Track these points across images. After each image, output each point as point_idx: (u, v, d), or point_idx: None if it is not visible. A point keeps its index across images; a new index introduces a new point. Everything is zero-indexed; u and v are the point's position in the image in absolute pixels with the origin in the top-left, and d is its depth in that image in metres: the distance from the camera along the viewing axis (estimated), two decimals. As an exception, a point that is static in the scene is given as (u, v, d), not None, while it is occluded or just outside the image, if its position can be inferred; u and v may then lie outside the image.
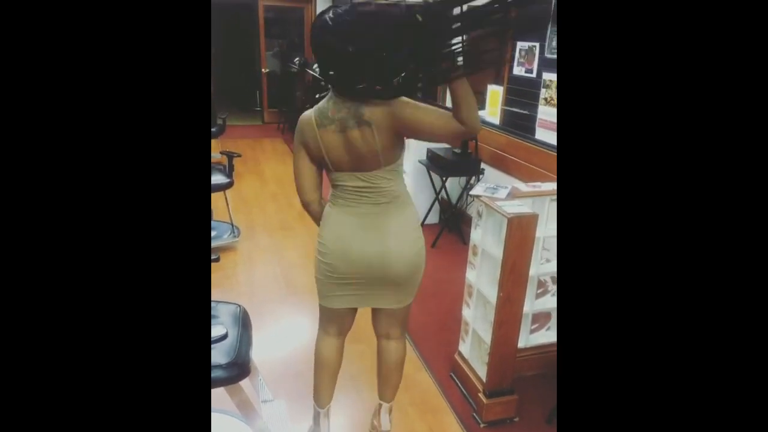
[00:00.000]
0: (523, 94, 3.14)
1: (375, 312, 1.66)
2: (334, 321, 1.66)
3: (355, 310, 1.66)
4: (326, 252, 1.52)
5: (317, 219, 1.58)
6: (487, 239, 1.92)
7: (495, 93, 3.47)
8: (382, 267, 1.48)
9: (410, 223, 1.52)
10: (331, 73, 1.32)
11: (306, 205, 1.58)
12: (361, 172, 1.42)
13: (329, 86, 1.41)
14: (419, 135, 1.36)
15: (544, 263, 2.07)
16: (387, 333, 1.69)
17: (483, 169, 3.52)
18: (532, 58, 3.02)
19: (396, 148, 1.42)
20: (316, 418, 1.77)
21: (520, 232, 1.72)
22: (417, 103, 1.34)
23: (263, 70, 7.39)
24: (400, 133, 1.37)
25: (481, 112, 3.64)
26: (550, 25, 2.85)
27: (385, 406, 1.80)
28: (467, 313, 2.10)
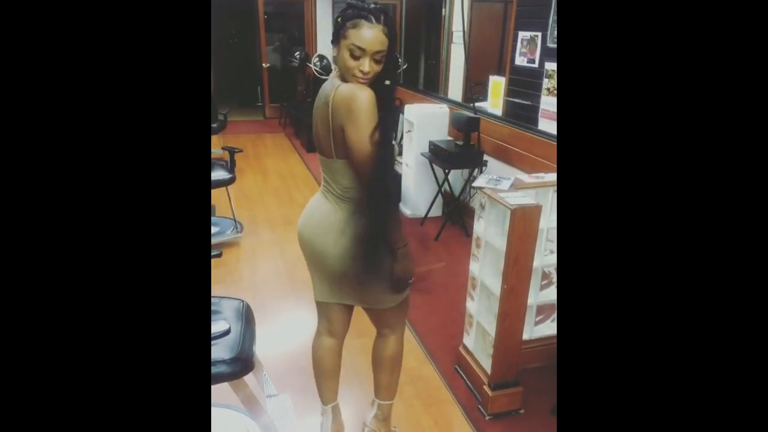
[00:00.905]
0: (525, 84, 3.12)
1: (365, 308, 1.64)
2: (324, 317, 1.65)
3: (346, 309, 1.63)
4: (298, 236, 1.54)
5: None
6: (490, 231, 1.91)
7: (497, 83, 3.45)
8: (325, 264, 1.47)
9: (360, 230, 1.43)
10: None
11: None
12: (324, 157, 1.41)
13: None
14: (344, 138, 1.30)
15: (547, 254, 2.06)
16: (377, 330, 1.68)
17: (486, 161, 3.50)
18: (534, 47, 3.00)
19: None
20: (325, 413, 1.77)
21: (523, 223, 1.71)
22: (367, 120, 1.27)
23: (264, 64, 7.37)
24: (341, 128, 1.31)
25: (483, 104, 3.63)
26: (551, 15, 2.82)
27: (376, 402, 1.76)
28: (471, 305, 2.09)
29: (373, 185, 1.34)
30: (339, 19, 1.29)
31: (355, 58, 1.27)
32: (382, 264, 1.44)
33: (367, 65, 1.27)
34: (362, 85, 1.29)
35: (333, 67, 1.39)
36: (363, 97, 1.26)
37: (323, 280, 1.54)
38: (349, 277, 1.47)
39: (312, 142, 1.38)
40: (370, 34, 1.25)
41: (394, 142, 1.41)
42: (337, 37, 1.30)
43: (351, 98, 1.26)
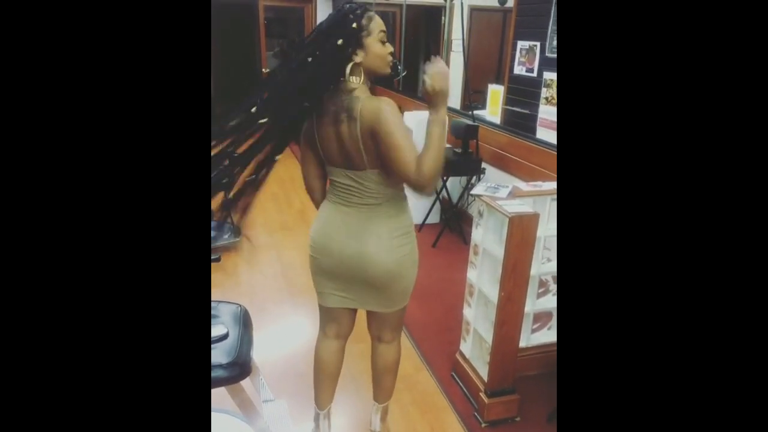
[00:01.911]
0: (524, 93, 3.14)
1: (367, 314, 1.65)
2: (331, 321, 1.66)
3: (352, 312, 1.65)
4: (313, 245, 1.53)
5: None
6: (488, 239, 1.92)
7: (496, 92, 3.47)
8: (359, 268, 1.47)
9: (397, 228, 1.47)
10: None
11: (309, 192, 1.61)
12: (350, 170, 1.41)
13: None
14: (382, 152, 1.31)
15: (545, 263, 2.06)
16: (378, 335, 1.68)
17: (484, 169, 3.51)
18: (532, 57, 3.02)
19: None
20: (317, 419, 1.77)
21: (521, 231, 1.72)
22: (403, 124, 1.30)
23: (264, 69, 7.39)
24: (375, 140, 1.32)
25: (482, 112, 3.64)
26: (550, 24, 2.85)
27: (377, 406, 1.79)
28: (468, 312, 2.10)
29: (422, 181, 1.29)
30: (355, 26, 1.32)
31: (383, 43, 1.36)
32: (411, 260, 1.53)
33: (389, 46, 1.37)
34: (382, 97, 1.34)
35: (352, 79, 1.37)
36: (392, 107, 1.30)
37: (342, 288, 1.54)
38: (386, 276, 1.48)
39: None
40: (379, 19, 1.36)
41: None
42: (360, 41, 1.32)
43: (382, 109, 1.29)
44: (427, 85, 1.30)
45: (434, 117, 1.32)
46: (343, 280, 1.52)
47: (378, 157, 1.35)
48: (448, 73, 1.32)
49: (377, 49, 1.34)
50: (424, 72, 1.31)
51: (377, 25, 1.34)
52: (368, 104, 1.31)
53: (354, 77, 1.36)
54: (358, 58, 1.33)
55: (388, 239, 1.45)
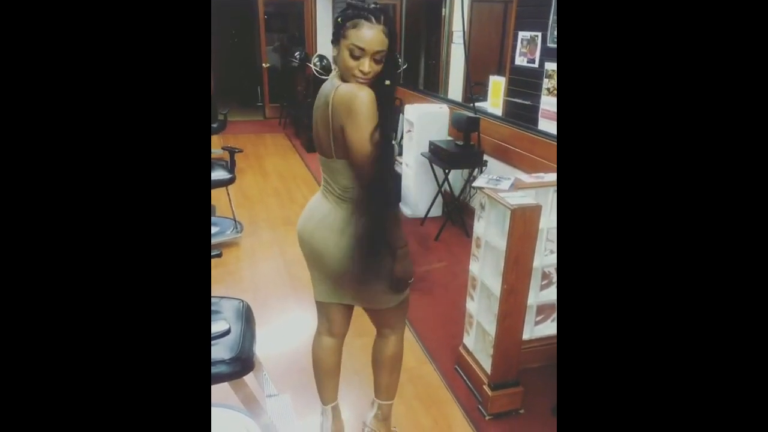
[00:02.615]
0: (525, 84, 3.12)
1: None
2: (323, 317, 1.65)
3: (344, 309, 1.62)
4: (297, 233, 1.55)
5: None
6: (490, 231, 1.91)
7: (497, 83, 3.45)
8: (325, 264, 1.47)
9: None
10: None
11: None
12: (323, 156, 1.41)
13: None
14: (344, 137, 1.30)
15: (548, 254, 2.06)
16: (377, 330, 1.68)
17: (486, 161, 3.50)
18: (534, 47, 3.00)
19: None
20: (325, 413, 1.77)
21: (523, 223, 1.71)
22: (367, 120, 1.27)
23: (264, 64, 7.37)
24: (341, 128, 1.30)
25: (483, 104, 3.62)
26: (551, 15, 2.82)
27: (376, 403, 1.76)
28: (471, 305, 2.09)
29: (373, 185, 1.33)
30: (339, 19, 1.29)
31: (355, 58, 1.27)
32: (381, 264, 1.44)
33: (367, 65, 1.27)
34: (362, 84, 1.29)
35: (333, 67, 1.39)
36: (363, 97, 1.26)
37: (323, 280, 1.54)
38: (349, 277, 1.47)
39: (312, 142, 1.39)
40: (370, 34, 1.25)
41: (394, 142, 1.40)
42: (337, 37, 1.30)
43: (351, 98, 1.26)
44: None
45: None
46: (322, 273, 1.53)
47: (342, 147, 1.34)
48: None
49: (344, 56, 1.28)
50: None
51: (356, 36, 1.25)
52: (342, 90, 1.29)
53: (335, 66, 1.37)
54: (334, 51, 1.34)
55: (350, 239, 1.42)
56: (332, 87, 1.32)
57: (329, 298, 1.57)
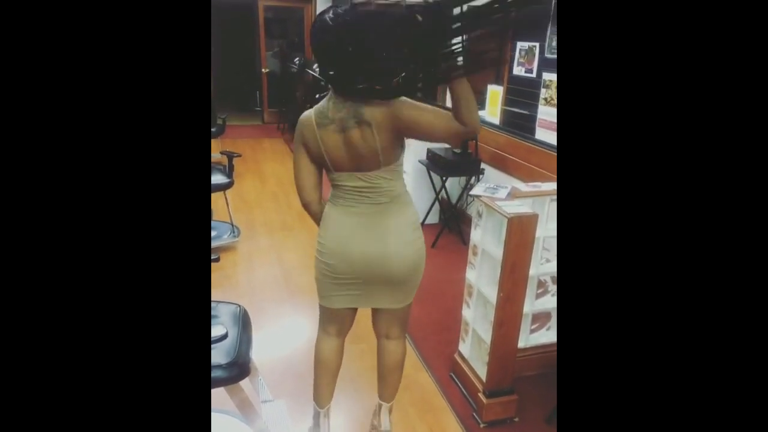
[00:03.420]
0: (523, 94, 3.14)
1: (375, 312, 1.66)
2: (334, 321, 1.66)
3: (355, 310, 1.66)
4: (325, 252, 1.52)
5: (317, 219, 1.59)
6: (487, 239, 1.92)
7: (495, 93, 3.47)
8: (382, 266, 1.48)
9: (410, 222, 1.51)
10: (331, 73, 1.32)
11: (306, 205, 1.58)
12: (360, 172, 1.42)
13: (329, 86, 1.41)
14: (418, 135, 1.36)
15: (544, 263, 2.07)
16: (386, 333, 1.69)
17: (483, 169, 3.51)
18: (532, 58, 3.02)
19: (395, 148, 1.41)
20: (316, 418, 1.77)
21: (520, 232, 1.72)
22: (416, 103, 1.34)
23: (263, 70, 7.39)
24: (399, 132, 1.37)
25: (481, 112, 3.64)
26: (550, 25, 2.85)
27: (385, 406, 1.79)
28: (467, 313, 2.10)
29: (469, 128, 1.30)
30: None
31: None
32: (424, 250, 1.55)
33: None
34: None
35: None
36: (403, 99, 1.32)
37: (357, 289, 1.55)
38: (410, 271, 1.52)
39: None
40: None
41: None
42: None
43: (401, 104, 1.31)
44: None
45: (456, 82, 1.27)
46: (362, 283, 1.53)
47: (395, 151, 1.41)
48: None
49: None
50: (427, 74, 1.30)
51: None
52: (376, 104, 1.31)
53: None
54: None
55: (406, 234, 1.49)
56: (360, 106, 1.32)
57: (348, 305, 1.59)
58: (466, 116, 1.26)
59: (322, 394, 1.74)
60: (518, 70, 3.15)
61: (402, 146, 1.45)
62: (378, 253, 1.47)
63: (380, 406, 1.81)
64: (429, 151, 3.67)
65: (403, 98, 1.33)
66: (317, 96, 4.68)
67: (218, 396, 1.49)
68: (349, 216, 1.48)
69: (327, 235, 1.52)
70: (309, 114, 1.43)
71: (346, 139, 1.37)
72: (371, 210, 1.46)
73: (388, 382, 1.75)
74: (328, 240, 1.51)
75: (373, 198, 1.45)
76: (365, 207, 1.46)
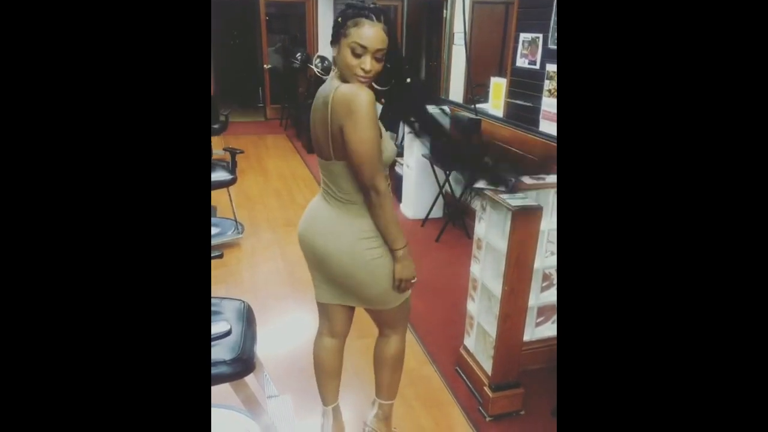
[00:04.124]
0: (526, 86, 3.12)
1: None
2: (324, 318, 1.65)
3: (346, 310, 1.63)
4: (298, 236, 1.55)
5: None
6: (491, 232, 1.91)
7: (498, 85, 3.45)
8: (324, 262, 1.48)
9: (363, 231, 1.42)
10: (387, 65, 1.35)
11: None
12: (322, 159, 1.42)
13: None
14: (344, 142, 1.30)
15: (549, 256, 2.06)
16: (380, 330, 1.68)
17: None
18: (535, 49, 3.00)
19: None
20: (324, 414, 1.77)
21: (524, 225, 1.71)
22: (367, 120, 1.27)
23: (265, 66, 7.38)
24: (341, 128, 1.30)
25: (484, 105, 3.63)
26: (553, 16, 2.83)
27: (377, 402, 1.76)
28: (472, 306, 2.09)
29: (370, 186, 1.33)
30: (339, 19, 1.30)
31: (357, 56, 1.28)
32: (382, 265, 1.45)
33: (368, 63, 1.28)
34: (362, 85, 1.29)
35: (333, 68, 1.39)
36: (363, 97, 1.26)
37: (325, 281, 1.54)
38: (350, 278, 1.47)
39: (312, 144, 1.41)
40: (371, 32, 1.26)
41: (396, 143, 1.39)
42: (337, 37, 1.30)
43: (351, 98, 1.26)
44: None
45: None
46: (323, 275, 1.53)
47: (341, 149, 1.33)
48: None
49: (345, 54, 1.28)
50: None
51: (357, 34, 1.26)
52: (342, 90, 1.29)
53: (333, 66, 1.37)
54: (334, 52, 1.34)
55: (351, 241, 1.42)
56: (331, 87, 1.31)
57: (331, 300, 1.57)
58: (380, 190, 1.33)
59: (324, 394, 1.74)
60: (521, 62, 3.13)
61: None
62: (322, 250, 1.46)
63: (374, 401, 1.78)
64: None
65: (366, 103, 1.26)
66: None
67: (224, 392, 1.49)
68: (317, 205, 1.50)
69: (301, 218, 1.54)
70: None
71: (314, 120, 1.38)
72: (332, 205, 1.44)
73: (378, 378, 1.73)
74: (300, 224, 1.54)
75: (333, 193, 1.43)
76: (329, 201, 1.45)
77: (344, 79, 1.32)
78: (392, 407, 1.77)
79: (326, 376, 1.71)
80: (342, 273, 1.47)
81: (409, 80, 1.36)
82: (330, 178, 1.42)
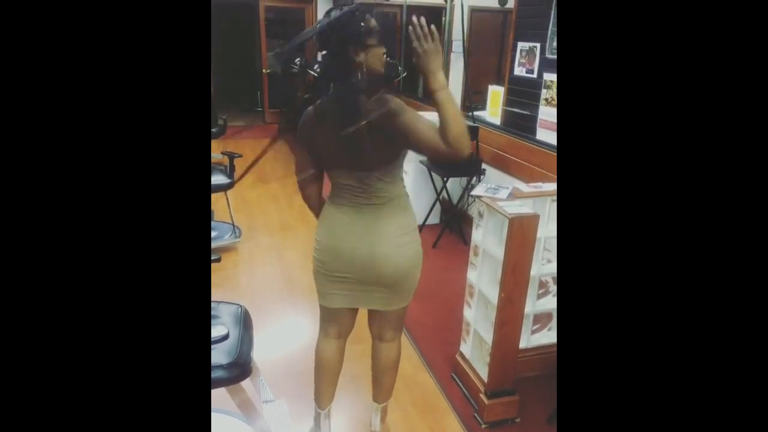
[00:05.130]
0: (524, 94, 3.14)
1: (369, 313, 1.66)
2: (333, 321, 1.66)
3: (354, 311, 1.66)
4: (319, 248, 1.54)
5: (316, 213, 1.61)
6: (488, 240, 1.92)
7: (496, 93, 3.47)
8: (371, 267, 1.48)
9: (403, 226, 1.49)
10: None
11: (306, 199, 1.62)
12: (355, 171, 1.42)
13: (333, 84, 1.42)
14: (407, 142, 1.34)
15: (545, 264, 2.06)
16: (380, 335, 1.69)
17: (484, 170, 3.51)
18: (532, 58, 3.02)
19: (388, 149, 1.39)
20: (317, 419, 1.77)
21: (521, 232, 1.72)
22: (413, 111, 1.34)
23: (264, 70, 7.39)
24: (390, 135, 1.34)
25: (482, 113, 3.64)
26: (550, 26, 2.85)
27: (377, 406, 1.79)
28: (468, 313, 2.10)
29: (456, 148, 1.27)
30: (360, 25, 1.33)
31: (380, 44, 1.37)
32: (420, 254, 1.55)
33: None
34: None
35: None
36: (400, 102, 1.34)
37: (351, 288, 1.54)
38: (398, 275, 1.51)
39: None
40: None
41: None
42: (361, 40, 1.33)
43: (396, 106, 1.32)
44: (416, 49, 1.25)
45: (436, 85, 1.27)
46: (353, 281, 1.53)
47: (388, 153, 1.39)
48: (434, 33, 1.26)
49: (376, 49, 1.35)
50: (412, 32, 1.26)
51: (375, 25, 1.35)
52: (374, 104, 1.32)
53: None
54: (359, 59, 1.34)
55: (396, 238, 1.47)
56: (375, 102, 1.33)
57: (350, 304, 1.59)
58: (452, 137, 1.23)
59: (322, 396, 1.74)
60: (519, 71, 3.15)
61: (399, 150, 1.43)
62: (366, 253, 1.47)
63: (373, 406, 1.81)
64: (430, 151, 3.67)
65: (400, 103, 1.34)
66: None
67: (220, 396, 1.49)
68: (343, 214, 1.49)
69: (322, 231, 1.53)
70: (311, 110, 1.46)
71: (340, 136, 1.37)
72: (365, 209, 1.46)
73: (380, 383, 1.75)
74: (322, 236, 1.53)
75: (366, 198, 1.44)
76: (359, 206, 1.46)
77: (374, 76, 1.35)
78: (388, 406, 1.83)
79: (330, 377, 1.72)
80: (390, 273, 1.49)
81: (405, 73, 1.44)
82: (364, 188, 1.43)
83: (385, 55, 1.38)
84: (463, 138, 1.25)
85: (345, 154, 1.40)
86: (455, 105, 1.28)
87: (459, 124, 1.25)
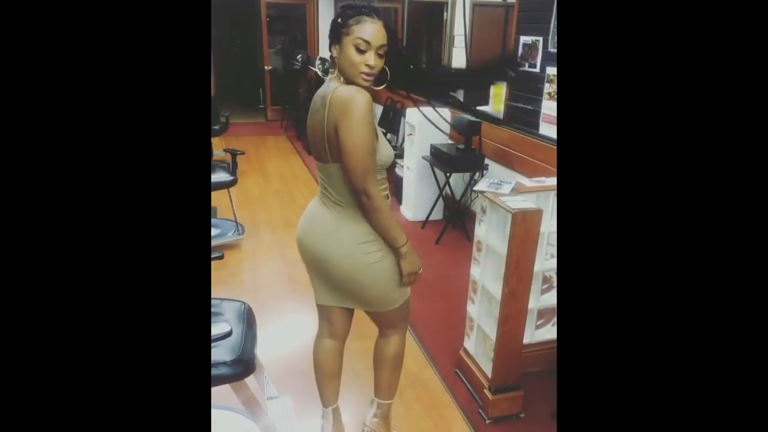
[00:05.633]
0: (526, 89, 3.12)
1: None
2: (324, 320, 1.66)
3: (345, 312, 1.63)
4: (296, 238, 1.55)
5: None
6: (491, 235, 1.91)
7: (498, 88, 3.46)
8: (324, 268, 1.48)
9: (362, 235, 1.42)
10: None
11: None
12: (319, 161, 1.42)
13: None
14: (339, 144, 1.30)
15: (548, 258, 2.06)
16: (380, 330, 1.68)
17: (487, 165, 3.50)
18: (535, 52, 3.01)
19: (331, 144, 1.34)
20: (325, 415, 1.77)
21: (524, 227, 1.72)
22: (361, 122, 1.27)
23: (266, 67, 7.39)
24: (336, 130, 1.31)
25: (485, 107, 3.63)
26: (552, 20, 2.83)
27: (375, 402, 1.76)
28: (472, 309, 2.10)
29: (361, 190, 1.32)
30: (339, 20, 1.32)
31: (361, 52, 1.30)
32: (383, 268, 1.45)
33: (372, 59, 1.30)
34: (361, 87, 1.32)
35: (331, 70, 1.40)
36: (360, 99, 1.28)
37: (324, 284, 1.55)
38: (351, 282, 1.47)
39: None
40: (373, 29, 1.30)
41: (395, 145, 1.40)
42: (338, 36, 1.32)
43: (348, 99, 1.28)
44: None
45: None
46: (322, 278, 1.53)
47: (333, 147, 1.34)
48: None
49: (350, 52, 1.30)
50: None
51: (361, 31, 1.28)
52: (340, 91, 1.30)
53: (332, 68, 1.38)
54: (334, 52, 1.35)
55: (350, 245, 1.42)
56: (330, 89, 1.33)
57: (331, 302, 1.58)
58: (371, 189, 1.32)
59: (323, 395, 1.74)
60: (521, 65, 3.13)
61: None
62: (320, 254, 1.46)
63: (372, 401, 1.78)
64: (432, 146, 3.66)
65: (363, 106, 1.27)
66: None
67: (224, 393, 1.49)
68: (315, 208, 1.50)
69: (300, 221, 1.55)
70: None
71: (312, 121, 1.39)
72: (331, 208, 1.44)
73: (378, 377, 1.73)
74: (298, 227, 1.54)
75: (330, 195, 1.43)
76: (326, 204, 1.46)
77: (347, 80, 1.34)
78: (390, 407, 1.77)
79: (326, 377, 1.71)
80: (342, 276, 1.47)
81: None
82: (327, 181, 1.43)
83: (368, 67, 1.31)
84: (376, 199, 1.34)
85: (314, 142, 1.41)
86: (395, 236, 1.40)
87: (387, 217, 1.37)
